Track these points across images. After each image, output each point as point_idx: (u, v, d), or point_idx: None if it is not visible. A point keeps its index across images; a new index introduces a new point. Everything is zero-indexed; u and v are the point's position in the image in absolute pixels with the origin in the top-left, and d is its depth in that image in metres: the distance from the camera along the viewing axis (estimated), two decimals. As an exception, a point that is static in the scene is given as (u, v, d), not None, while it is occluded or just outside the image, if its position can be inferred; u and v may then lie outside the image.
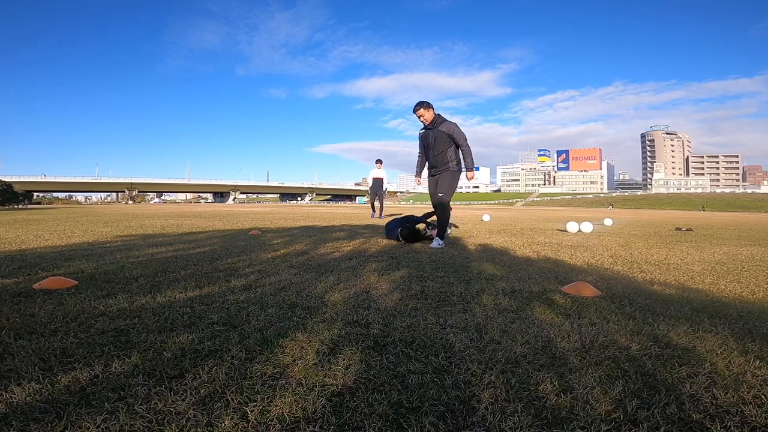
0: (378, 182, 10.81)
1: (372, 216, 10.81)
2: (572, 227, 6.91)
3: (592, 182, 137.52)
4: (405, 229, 4.79)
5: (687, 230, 8.25)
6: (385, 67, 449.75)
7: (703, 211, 49.45)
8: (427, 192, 4.72)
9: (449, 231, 5.28)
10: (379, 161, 10.97)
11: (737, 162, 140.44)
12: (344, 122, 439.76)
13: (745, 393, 1.18)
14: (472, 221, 9.89)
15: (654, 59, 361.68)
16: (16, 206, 25.03)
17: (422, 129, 4.69)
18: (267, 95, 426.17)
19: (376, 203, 11.00)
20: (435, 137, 4.53)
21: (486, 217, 10.91)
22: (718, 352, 1.49)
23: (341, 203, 79.92)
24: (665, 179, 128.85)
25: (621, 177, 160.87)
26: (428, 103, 4.53)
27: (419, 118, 4.58)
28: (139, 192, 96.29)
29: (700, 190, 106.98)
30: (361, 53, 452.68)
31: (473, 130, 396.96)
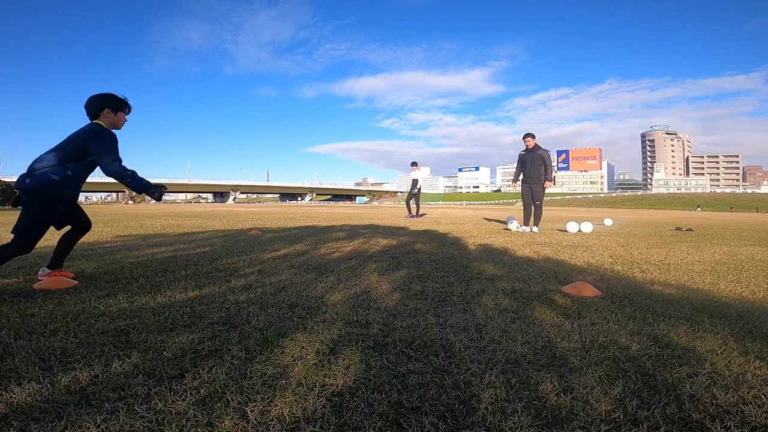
0: (414, 183, 11.18)
1: (408, 216, 11.13)
2: (572, 227, 6.91)
3: (592, 182, 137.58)
4: None
5: (687, 230, 8.25)
6: (373, 65, 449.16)
7: (731, 210, 49.75)
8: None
9: (518, 227, 7.05)
10: (414, 163, 11.23)
11: (737, 162, 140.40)
12: (338, 122, 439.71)
13: (746, 393, 1.18)
14: (472, 221, 9.89)
15: (648, 55, 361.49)
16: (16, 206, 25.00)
17: (523, 151, 7.14)
18: (257, 95, 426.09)
19: (412, 203, 11.35)
20: (533, 159, 6.95)
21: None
22: (719, 352, 1.49)
23: (341, 203, 79.94)
24: (665, 179, 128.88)
25: (621, 177, 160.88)
26: (533, 134, 7.05)
27: (526, 143, 7.08)
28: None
29: (700, 190, 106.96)
30: (349, 51, 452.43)
31: (467, 130, 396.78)
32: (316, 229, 6.80)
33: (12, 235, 2.25)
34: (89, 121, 2.46)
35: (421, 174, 11.27)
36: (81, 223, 2.64)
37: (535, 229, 6.88)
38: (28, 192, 2.27)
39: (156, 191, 2.43)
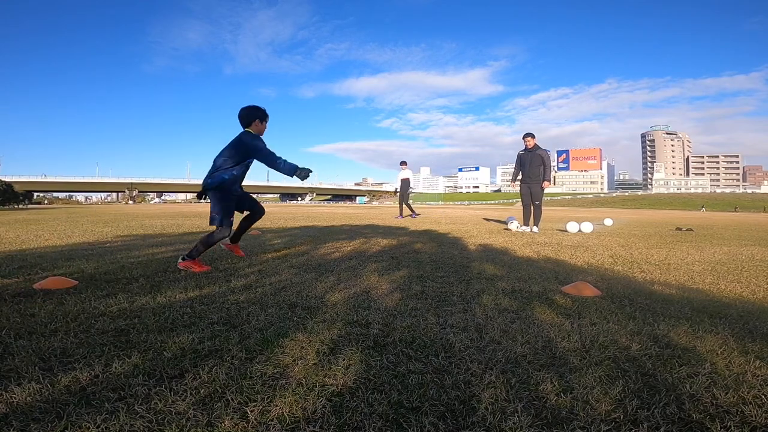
0: (405, 183, 11.01)
1: (399, 217, 10.93)
2: (572, 227, 6.91)
3: (592, 182, 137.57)
4: None
5: (687, 230, 8.25)
6: (373, 65, 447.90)
7: (735, 211, 50.18)
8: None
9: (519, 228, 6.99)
10: (403, 162, 11.12)
11: (737, 162, 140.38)
12: (337, 122, 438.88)
13: (746, 393, 1.18)
14: (472, 221, 9.89)
15: (647, 55, 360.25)
16: (16, 206, 25.06)
17: (522, 151, 7.07)
18: (257, 95, 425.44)
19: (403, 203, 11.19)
20: (532, 158, 6.88)
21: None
22: (719, 352, 1.49)
23: (341, 203, 79.94)
24: (665, 179, 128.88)
25: (621, 177, 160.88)
26: (533, 134, 6.99)
27: (525, 143, 6.99)
28: (139, 192, 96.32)
29: (700, 190, 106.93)
30: (348, 51, 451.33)
31: (467, 130, 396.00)
32: (316, 229, 6.80)
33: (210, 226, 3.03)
34: (242, 129, 3.13)
35: (411, 173, 11.16)
36: (254, 208, 3.44)
37: (535, 229, 6.85)
38: (209, 189, 3.02)
39: (302, 172, 3.04)
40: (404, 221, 9.52)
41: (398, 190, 11.11)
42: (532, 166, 6.90)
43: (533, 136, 7.00)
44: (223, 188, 3.02)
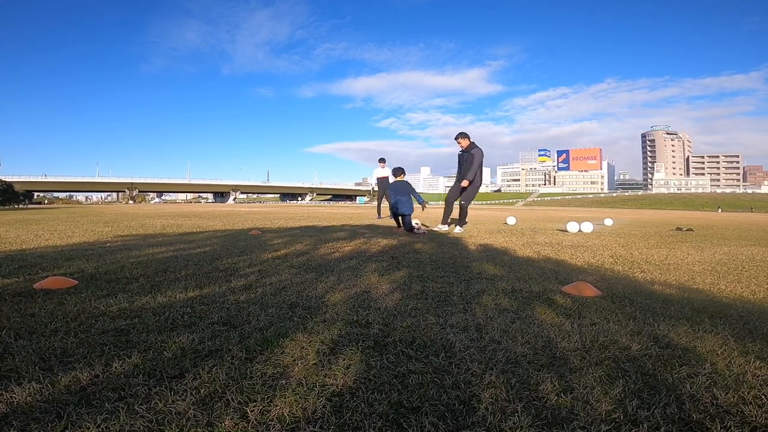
0: (383, 181, 10.39)
1: (379, 218, 10.37)
2: (572, 227, 6.91)
3: (592, 182, 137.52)
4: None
5: (687, 230, 8.24)
6: (371, 65, 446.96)
7: (752, 211, 50.77)
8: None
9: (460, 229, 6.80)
10: (382, 160, 10.72)
11: (738, 162, 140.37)
12: (336, 122, 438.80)
13: (746, 393, 1.18)
14: (472, 221, 9.88)
15: (646, 55, 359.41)
16: (16, 206, 25.07)
17: (460, 151, 6.83)
18: (255, 95, 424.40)
19: (383, 203, 10.53)
20: (467, 158, 6.67)
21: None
22: (719, 352, 1.49)
23: (341, 203, 79.87)
24: (666, 179, 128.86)
25: (621, 177, 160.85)
26: (465, 133, 6.72)
27: (459, 144, 6.72)
28: (139, 192, 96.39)
29: (700, 190, 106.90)
30: (346, 51, 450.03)
31: (466, 130, 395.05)
32: (316, 229, 6.80)
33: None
34: (394, 178, 6.26)
35: (389, 171, 10.73)
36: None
37: (458, 229, 6.55)
38: (408, 215, 5.92)
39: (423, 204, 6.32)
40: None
41: (374, 189, 10.65)
42: (466, 165, 6.59)
43: (465, 136, 6.62)
44: (410, 212, 5.93)
